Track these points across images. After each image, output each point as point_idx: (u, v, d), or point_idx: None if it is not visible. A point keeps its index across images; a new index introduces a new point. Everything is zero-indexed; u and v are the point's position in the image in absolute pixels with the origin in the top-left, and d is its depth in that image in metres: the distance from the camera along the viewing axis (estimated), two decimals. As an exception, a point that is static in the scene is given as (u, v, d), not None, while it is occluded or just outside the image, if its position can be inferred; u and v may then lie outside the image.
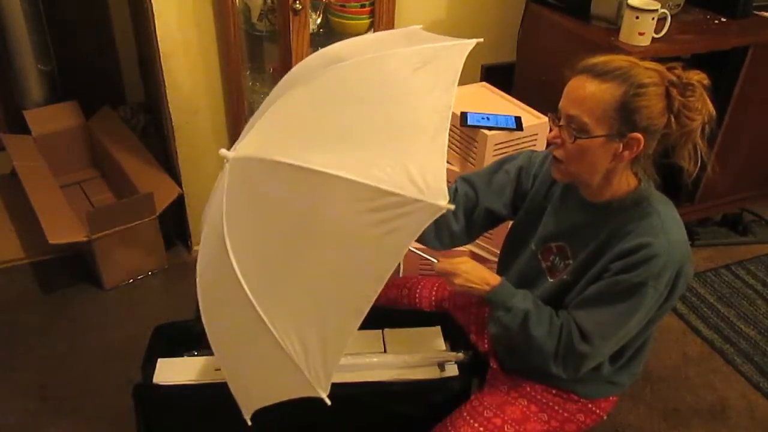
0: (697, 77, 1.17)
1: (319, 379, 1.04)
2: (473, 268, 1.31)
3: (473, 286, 1.30)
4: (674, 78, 1.17)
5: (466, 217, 1.47)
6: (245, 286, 1.07)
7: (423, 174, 0.98)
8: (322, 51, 1.30)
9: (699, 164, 1.21)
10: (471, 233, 1.50)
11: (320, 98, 1.18)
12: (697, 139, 1.19)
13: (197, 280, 1.22)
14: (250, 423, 1.17)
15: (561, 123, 1.21)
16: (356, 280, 1.01)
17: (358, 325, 1.01)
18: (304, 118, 1.16)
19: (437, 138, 1.03)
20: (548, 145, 1.28)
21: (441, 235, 1.46)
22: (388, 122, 1.08)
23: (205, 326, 1.21)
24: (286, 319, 1.05)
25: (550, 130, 1.25)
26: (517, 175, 1.45)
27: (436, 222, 1.39)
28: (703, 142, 1.20)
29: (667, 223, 1.23)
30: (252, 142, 1.16)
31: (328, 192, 1.01)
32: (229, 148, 1.16)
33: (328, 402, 1.04)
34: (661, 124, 1.17)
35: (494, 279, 1.31)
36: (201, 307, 1.21)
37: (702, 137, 1.20)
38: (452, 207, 0.96)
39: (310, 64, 1.30)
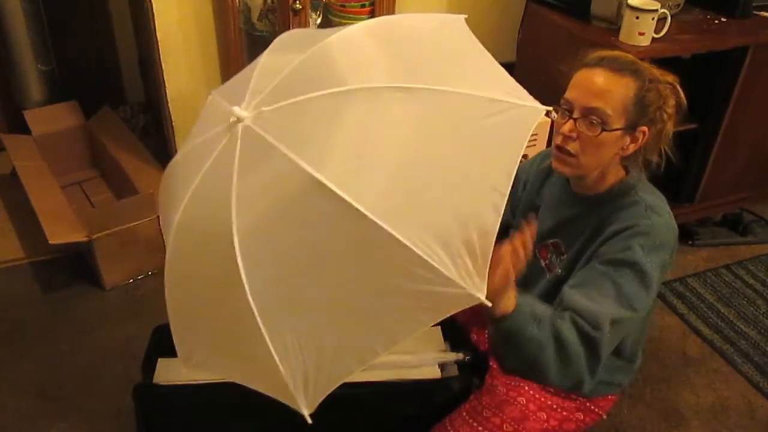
0: (671, 78, 1.23)
1: (473, 280, 0.93)
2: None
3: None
4: (659, 75, 1.22)
5: None
6: (368, 214, 0.91)
7: (517, 92, 1.08)
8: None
9: (665, 158, 1.27)
10: None
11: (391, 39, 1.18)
12: (668, 134, 1.25)
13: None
14: (310, 421, 0.97)
15: (576, 115, 1.21)
16: (484, 174, 1.01)
17: (499, 222, 0.97)
18: (382, 55, 1.12)
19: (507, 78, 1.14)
20: (557, 139, 1.25)
21: None
22: (466, 65, 1.16)
23: (259, 316, 0.95)
24: (422, 230, 0.93)
25: (560, 124, 1.24)
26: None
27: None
28: (668, 138, 1.26)
29: (653, 208, 1.25)
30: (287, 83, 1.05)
31: (440, 106, 1.03)
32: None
33: (488, 303, 0.93)
34: (657, 117, 1.21)
35: (511, 301, 1.13)
36: (248, 287, 0.95)
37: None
38: (550, 108, 1.08)
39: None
